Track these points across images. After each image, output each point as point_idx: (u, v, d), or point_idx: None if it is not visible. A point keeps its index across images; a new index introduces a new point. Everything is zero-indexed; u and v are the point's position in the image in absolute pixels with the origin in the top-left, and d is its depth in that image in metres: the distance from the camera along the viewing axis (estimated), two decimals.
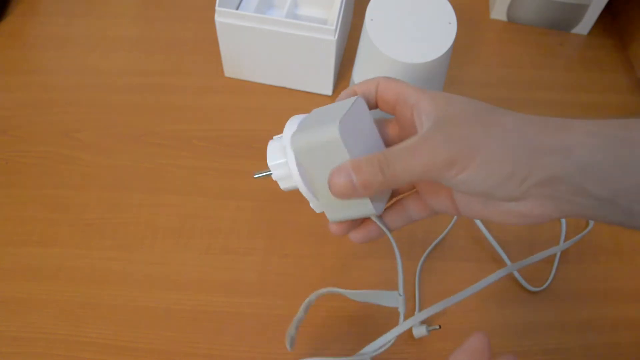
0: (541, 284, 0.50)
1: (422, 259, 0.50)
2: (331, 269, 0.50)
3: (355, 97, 0.32)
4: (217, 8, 0.54)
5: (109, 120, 0.59)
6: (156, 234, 0.51)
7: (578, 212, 0.28)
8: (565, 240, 0.52)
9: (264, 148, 0.57)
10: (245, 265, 0.50)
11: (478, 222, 0.52)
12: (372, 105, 0.33)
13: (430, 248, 0.51)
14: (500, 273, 0.41)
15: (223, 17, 0.55)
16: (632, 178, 0.26)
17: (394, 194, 0.36)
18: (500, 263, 0.51)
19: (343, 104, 0.32)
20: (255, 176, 0.36)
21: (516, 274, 0.50)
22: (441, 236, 0.51)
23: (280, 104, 0.60)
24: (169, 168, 0.55)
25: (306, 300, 0.41)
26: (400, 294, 0.35)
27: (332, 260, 0.50)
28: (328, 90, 0.60)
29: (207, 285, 0.49)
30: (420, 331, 0.46)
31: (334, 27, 0.53)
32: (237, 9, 0.61)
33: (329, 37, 0.54)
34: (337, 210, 0.32)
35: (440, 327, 0.46)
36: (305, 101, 0.60)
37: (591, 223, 0.53)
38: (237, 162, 0.56)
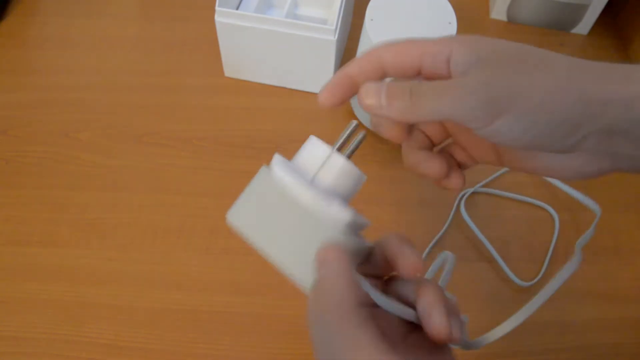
0: (534, 279, 0.50)
1: (423, 257, 0.50)
2: None
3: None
4: (217, 8, 0.54)
5: (109, 120, 0.59)
6: (156, 234, 0.51)
7: (635, 166, 0.26)
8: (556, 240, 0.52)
9: (264, 148, 0.57)
10: (245, 265, 0.50)
11: (473, 225, 0.52)
12: (381, 76, 0.28)
13: (428, 249, 0.51)
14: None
15: (223, 17, 0.55)
16: None
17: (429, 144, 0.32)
18: (500, 262, 0.50)
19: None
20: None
21: (505, 268, 0.50)
22: (439, 235, 0.51)
23: (280, 104, 0.60)
24: (169, 168, 0.55)
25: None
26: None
27: None
28: None
29: (207, 285, 0.49)
30: None
31: (334, 27, 0.53)
32: (237, 9, 0.61)
33: (329, 37, 0.54)
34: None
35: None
36: (305, 101, 0.60)
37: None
38: (237, 162, 0.56)
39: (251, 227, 0.29)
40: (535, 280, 0.50)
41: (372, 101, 0.26)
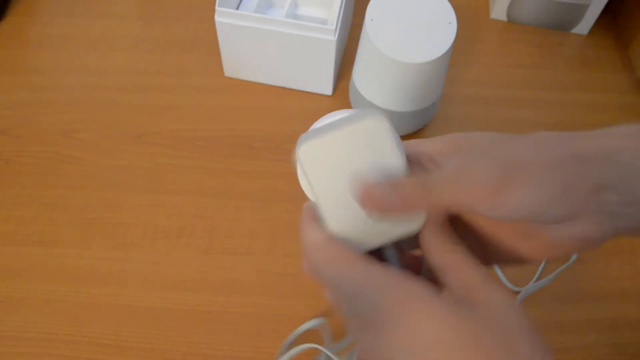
0: (538, 283, 0.50)
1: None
2: None
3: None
4: (217, 8, 0.54)
5: (109, 120, 0.59)
6: (156, 234, 0.51)
7: (635, 225, 0.25)
8: None
9: (264, 148, 0.57)
10: (245, 265, 0.50)
11: None
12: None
13: None
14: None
15: (223, 17, 0.55)
16: None
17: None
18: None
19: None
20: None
21: (498, 272, 0.50)
22: None
23: (280, 104, 0.60)
24: (169, 168, 0.55)
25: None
26: None
27: None
28: (328, 90, 0.60)
29: (206, 285, 0.49)
30: None
31: (334, 27, 0.53)
32: (237, 9, 0.61)
33: (329, 37, 0.54)
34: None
35: None
36: (305, 101, 0.60)
37: None
38: (237, 162, 0.56)
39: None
40: (529, 284, 0.50)
41: (377, 204, 0.25)
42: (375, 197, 0.25)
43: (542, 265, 0.50)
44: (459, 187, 0.24)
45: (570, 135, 0.25)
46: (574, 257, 0.51)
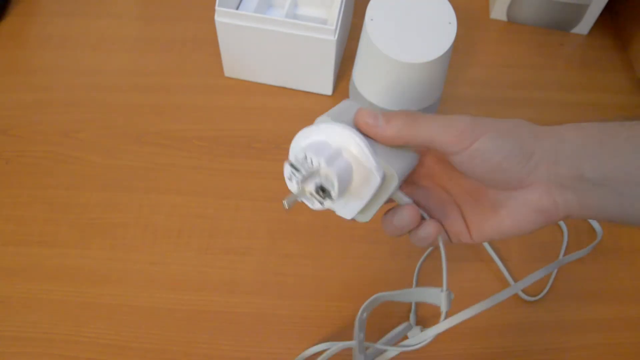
0: (538, 292, 0.50)
1: (422, 259, 0.50)
2: (331, 268, 0.50)
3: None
4: (217, 8, 0.54)
5: (109, 120, 0.59)
6: (156, 234, 0.51)
7: (580, 201, 0.29)
8: (565, 252, 0.52)
9: (264, 148, 0.57)
10: (245, 265, 0.50)
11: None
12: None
13: (430, 248, 0.51)
14: (505, 294, 0.37)
15: (223, 17, 0.55)
16: (617, 160, 0.28)
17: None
18: (500, 263, 0.50)
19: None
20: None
21: (521, 294, 0.50)
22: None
23: (280, 104, 0.60)
24: (169, 168, 0.55)
25: (357, 320, 0.39)
26: (443, 290, 0.34)
27: (332, 260, 0.50)
28: (328, 90, 0.60)
29: (206, 285, 0.49)
30: (415, 333, 0.46)
31: (334, 27, 0.53)
32: (237, 8, 0.61)
33: (329, 37, 0.54)
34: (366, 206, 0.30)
35: None
36: (305, 101, 0.60)
37: (598, 235, 0.53)
38: (237, 162, 0.56)
39: None
40: (541, 295, 0.50)
41: (371, 121, 0.30)
42: (368, 113, 0.30)
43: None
44: (437, 126, 0.29)
45: (530, 122, 0.30)
46: (577, 256, 0.51)
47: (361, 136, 0.29)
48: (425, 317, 0.48)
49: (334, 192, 0.29)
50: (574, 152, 0.29)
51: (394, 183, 0.30)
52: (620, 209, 0.29)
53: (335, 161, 0.29)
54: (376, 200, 0.30)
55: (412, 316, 0.47)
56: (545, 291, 0.49)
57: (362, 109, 0.31)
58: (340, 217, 0.31)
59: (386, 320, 0.47)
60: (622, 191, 0.29)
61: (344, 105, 0.32)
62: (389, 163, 0.29)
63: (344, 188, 0.29)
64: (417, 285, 0.49)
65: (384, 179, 0.29)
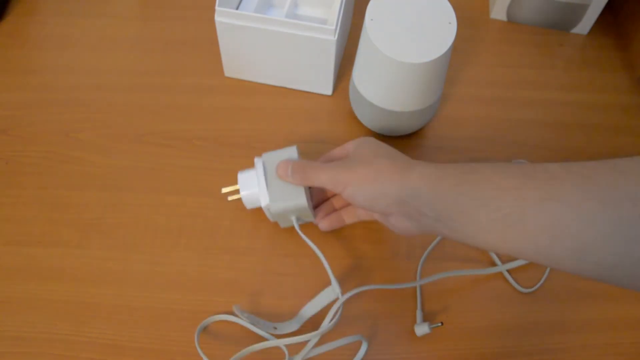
0: (534, 284, 0.50)
1: (422, 258, 0.50)
2: (331, 268, 0.50)
3: (294, 146, 0.48)
4: (217, 8, 0.54)
5: (109, 120, 0.59)
6: (156, 234, 0.51)
7: (427, 229, 0.40)
8: None
9: (264, 148, 0.57)
10: (245, 265, 0.50)
11: None
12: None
13: (430, 248, 0.51)
14: (489, 270, 0.49)
15: (223, 17, 0.55)
16: (443, 204, 0.38)
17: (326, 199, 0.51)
18: (500, 263, 0.50)
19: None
20: (223, 191, 0.50)
21: (506, 275, 0.50)
22: (438, 238, 0.51)
23: (280, 104, 0.60)
24: (169, 168, 0.55)
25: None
26: (333, 284, 0.46)
27: (332, 260, 0.50)
28: (328, 90, 0.60)
29: (206, 285, 0.49)
30: (422, 329, 0.46)
31: (334, 27, 0.53)
32: (237, 8, 0.61)
33: (329, 37, 0.54)
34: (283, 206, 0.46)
35: (442, 323, 0.46)
36: (305, 101, 0.60)
37: None
38: (237, 162, 0.56)
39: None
40: (536, 286, 0.50)
41: (282, 173, 0.46)
42: (284, 166, 0.46)
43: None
44: (324, 177, 0.43)
45: (394, 164, 0.41)
46: None
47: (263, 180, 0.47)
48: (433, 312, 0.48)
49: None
50: (414, 196, 0.39)
51: (272, 207, 0.46)
52: (454, 235, 0.38)
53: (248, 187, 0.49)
54: (284, 217, 0.48)
55: (418, 312, 0.47)
56: (539, 284, 0.49)
57: (281, 162, 0.46)
58: None
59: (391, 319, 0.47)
60: (451, 225, 0.38)
61: (284, 152, 0.48)
62: (277, 194, 0.46)
63: (250, 201, 0.49)
64: (419, 284, 0.49)
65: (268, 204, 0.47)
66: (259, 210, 0.53)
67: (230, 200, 0.52)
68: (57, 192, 0.54)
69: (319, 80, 0.59)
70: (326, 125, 0.59)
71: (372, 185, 0.41)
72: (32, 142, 0.57)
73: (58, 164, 0.55)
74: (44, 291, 0.48)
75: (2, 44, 0.65)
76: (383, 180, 0.40)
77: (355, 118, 0.59)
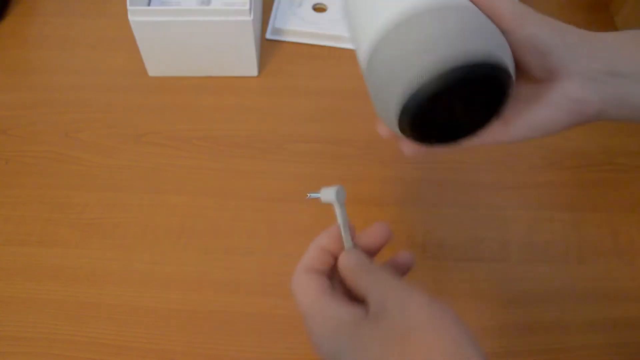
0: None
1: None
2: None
3: None
4: (129, 7, 0.54)
5: (109, 120, 0.59)
6: (156, 234, 0.51)
7: (614, 95, 0.31)
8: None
9: (263, 148, 0.57)
10: (245, 265, 0.50)
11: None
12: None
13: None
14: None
15: (137, 15, 0.55)
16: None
17: None
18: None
19: None
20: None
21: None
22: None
23: (280, 104, 0.60)
24: (169, 168, 0.55)
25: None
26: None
27: None
28: (253, 71, 0.61)
29: (207, 285, 0.49)
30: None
31: (247, 8, 0.54)
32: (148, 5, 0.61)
33: (245, 18, 0.55)
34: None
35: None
36: (305, 101, 0.60)
37: None
38: (237, 162, 0.56)
39: None
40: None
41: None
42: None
43: None
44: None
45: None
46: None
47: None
48: None
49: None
50: (610, 50, 0.31)
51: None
52: None
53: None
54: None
55: None
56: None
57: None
58: None
59: None
60: None
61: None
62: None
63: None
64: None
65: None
66: (258, 210, 0.53)
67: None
68: (57, 192, 0.54)
69: (243, 62, 0.60)
70: (326, 125, 0.59)
71: (554, 27, 0.31)
72: (32, 142, 0.57)
73: (58, 164, 0.55)
74: (44, 291, 0.48)
75: (2, 44, 0.65)
76: (571, 27, 0.32)
77: (346, 112, 0.59)
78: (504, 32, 0.30)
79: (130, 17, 0.55)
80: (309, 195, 0.36)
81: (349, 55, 0.65)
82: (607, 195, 0.54)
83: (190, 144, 0.57)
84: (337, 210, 0.34)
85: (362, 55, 0.31)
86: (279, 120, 0.59)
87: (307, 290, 0.34)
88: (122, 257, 0.50)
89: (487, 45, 0.27)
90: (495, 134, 0.34)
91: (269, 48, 0.65)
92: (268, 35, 0.66)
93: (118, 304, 0.48)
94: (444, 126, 0.30)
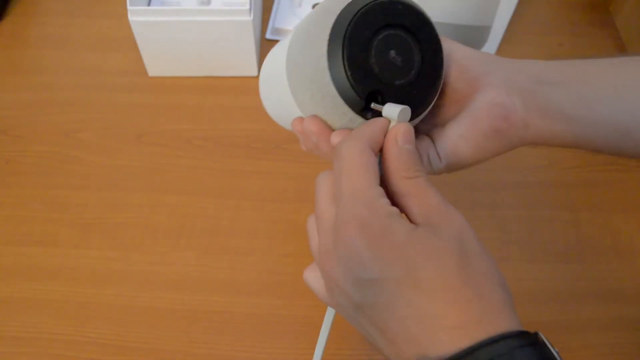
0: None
1: None
2: None
3: None
4: (129, 7, 0.54)
5: (109, 120, 0.59)
6: (156, 234, 0.51)
7: (536, 102, 0.30)
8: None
9: (264, 148, 0.57)
10: (245, 265, 0.50)
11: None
12: None
13: None
14: None
15: (137, 15, 0.55)
16: (575, 67, 0.31)
17: None
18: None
19: None
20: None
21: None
22: None
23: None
24: (169, 168, 0.55)
25: None
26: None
27: None
28: (253, 71, 0.61)
29: (207, 285, 0.49)
30: None
31: (247, 8, 0.54)
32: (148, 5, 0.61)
33: (245, 18, 0.55)
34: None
35: None
36: None
37: None
38: (237, 162, 0.56)
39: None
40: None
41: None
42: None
43: None
44: None
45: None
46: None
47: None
48: None
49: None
50: (535, 65, 0.31)
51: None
52: (577, 112, 0.30)
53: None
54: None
55: None
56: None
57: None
58: None
59: None
60: (579, 91, 0.30)
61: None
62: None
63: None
64: None
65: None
66: (259, 210, 0.53)
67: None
68: (57, 192, 0.54)
69: (243, 62, 0.60)
70: None
71: (478, 51, 0.33)
72: (32, 142, 0.57)
73: (58, 164, 0.55)
74: (44, 291, 0.48)
75: (2, 44, 0.65)
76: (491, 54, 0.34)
77: None
78: None
79: (130, 17, 0.55)
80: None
81: None
82: (607, 195, 0.54)
83: (190, 144, 0.57)
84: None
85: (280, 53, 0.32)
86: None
87: (368, 181, 0.26)
88: (122, 257, 0.50)
89: None
90: (431, 162, 0.32)
91: (269, 48, 0.64)
92: (268, 35, 0.66)
93: (118, 304, 0.48)
94: (384, 77, 0.29)
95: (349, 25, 0.28)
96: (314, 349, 0.46)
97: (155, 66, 0.61)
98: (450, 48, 0.31)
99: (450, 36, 0.50)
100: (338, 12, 0.28)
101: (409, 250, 0.24)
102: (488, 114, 0.30)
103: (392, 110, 0.28)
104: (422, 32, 0.30)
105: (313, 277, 0.30)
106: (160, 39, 0.57)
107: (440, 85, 0.31)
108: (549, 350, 0.24)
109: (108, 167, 0.55)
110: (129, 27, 0.64)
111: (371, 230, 0.24)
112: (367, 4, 0.28)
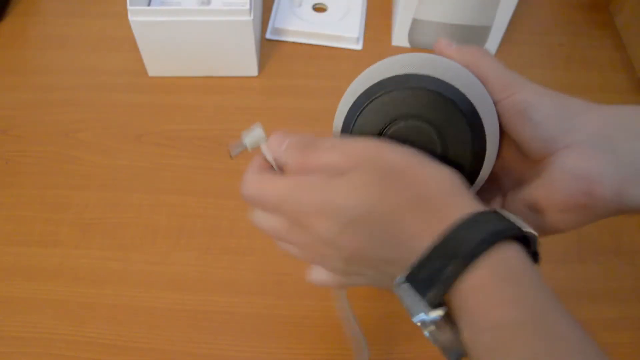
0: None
1: None
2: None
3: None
4: (129, 7, 0.54)
5: (109, 120, 0.59)
6: (156, 234, 0.51)
7: (632, 163, 0.24)
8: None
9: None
10: (245, 265, 0.50)
11: None
12: None
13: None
14: None
15: (137, 15, 0.55)
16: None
17: None
18: None
19: None
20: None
21: None
22: None
23: (280, 104, 0.60)
24: (169, 168, 0.55)
25: None
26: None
27: None
28: (253, 71, 0.61)
29: (207, 285, 0.49)
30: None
31: (248, 8, 0.54)
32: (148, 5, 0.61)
33: (245, 18, 0.55)
34: None
35: None
36: (305, 101, 0.60)
37: None
38: (237, 161, 0.56)
39: None
40: None
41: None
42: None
43: None
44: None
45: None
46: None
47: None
48: None
49: None
50: (621, 111, 0.25)
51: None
52: None
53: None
54: None
55: None
56: None
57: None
58: None
59: None
60: None
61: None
62: None
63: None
64: None
65: None
66: None
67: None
68: (57, 192, 0.54)
69: (243, 62, 0.60)
70: (327, 125, 0.59)
71: (557, 97, 0.27)
72: (32, 142, 0.57)
73: (58, 164, 0.55)
74: (44, 291, 0.48)
75: (2, 44, 0.65)
76: (571, 98, 0.27)
77: None
78: (495, 101, 0.26)
79: (130, 17, 0.55)
80: (232, 153, 0.34)
81: (349, 55, 0.65)
82: None
83: (190, 144, 0.57)
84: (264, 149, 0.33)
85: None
86: (279, 120, 0.59)
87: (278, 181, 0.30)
88: (122, 257, 0.50)
89: (436, 72, 0.28)
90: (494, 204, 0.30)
91: (269, 48, 0.65)
92: (268, 35, 0.66)
93: (118, 304, 0.48)
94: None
95: (353, 125, 0.30)
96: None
97: (155, 66, 0.61)
98: (526, 101, 0.25)
99: (450, 36, 0.51)
100: (356, 97, 0.30)
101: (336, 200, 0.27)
102: (566, 187, 0.25)
103: (246, 140, 0.32)
104: (443, 122, 0.27)
105: (315, 272, 0.33)
106: (160, 39, 0.57)
107: (492, 158, 0.27)
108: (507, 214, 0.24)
109: (108, 167, 0.55)
110: (129, 27, 0.64)
111: (317, 188, 0.28)
112: (377, 96, 0.29)
